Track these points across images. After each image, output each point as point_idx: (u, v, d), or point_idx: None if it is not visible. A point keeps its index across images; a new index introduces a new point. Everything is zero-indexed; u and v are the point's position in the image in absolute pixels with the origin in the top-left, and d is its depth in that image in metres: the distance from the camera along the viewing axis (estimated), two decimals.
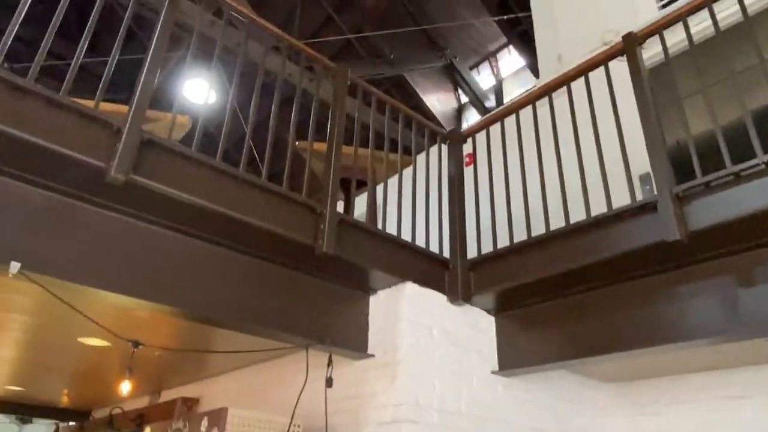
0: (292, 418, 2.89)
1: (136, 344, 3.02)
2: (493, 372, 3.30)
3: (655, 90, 2.82)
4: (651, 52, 3.13)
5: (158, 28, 2.52)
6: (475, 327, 3.35)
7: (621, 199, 2.68)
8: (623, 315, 2.88)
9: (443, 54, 8.83)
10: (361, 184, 3.97)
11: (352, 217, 3.06)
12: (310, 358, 3.05)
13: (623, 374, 3.95)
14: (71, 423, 6.95)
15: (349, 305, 3.19)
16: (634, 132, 2.78)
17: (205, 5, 2.94)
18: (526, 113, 3.35)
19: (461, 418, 3.02)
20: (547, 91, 3.27)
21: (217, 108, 6.33)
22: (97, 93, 2.30)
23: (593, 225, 2.76)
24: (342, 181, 3.16)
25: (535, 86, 4.76)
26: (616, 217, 2.68)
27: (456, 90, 9.51)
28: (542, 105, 3.28)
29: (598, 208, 2.75)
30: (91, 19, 2.39)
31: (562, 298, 3.13)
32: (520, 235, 3.04)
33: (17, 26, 2.16)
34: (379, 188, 3.41)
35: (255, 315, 2.77)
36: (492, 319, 3.44)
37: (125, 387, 3.46)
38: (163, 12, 2.57)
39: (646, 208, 2.58)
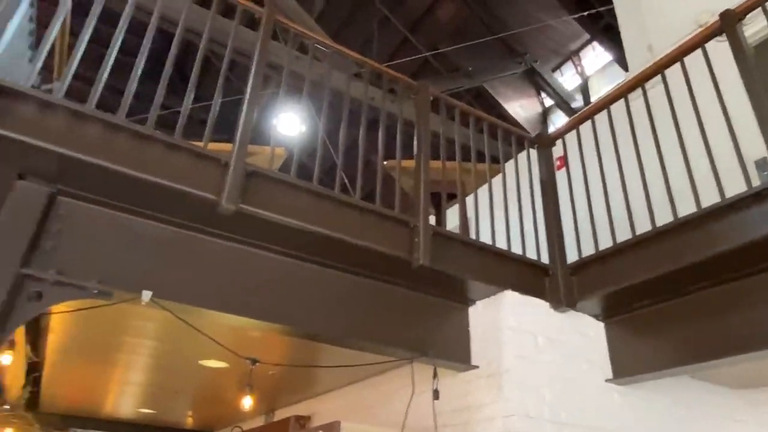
0: (402, 429, 2.93)
1: (254, 362, 3.23)
2: (607, 380, 3.15)
3: (761, 68, 2.61)
4: (751, 30, 2.91)
5: (253, 72, 2.73)
6: (583, 334, 3.23)
7: (732, 189, 2.50)
8: (742, 314, 2.65)
9: (523, 60, 8.69)
10: (451, 198, 3.99)
11: (445, 229, 3.09)
12: (413, 371, 3.09)
13: (755, 380, 3.60)
14: None
15: (449, 317, 3.20)
16: (740, 116, 2.58)
17: (291, 43, 3.14)
18: (618, 108, 3.22)
19: (577, 429, 2.90)
20: (640, 81, 3.13)
21: (307, 137, 6.66)
22: (205, 134, 2.54)
23: (704, 218, 2.58)
24: (432, 196, 3.21)
25: (625, 80, 4.56)
26: (730, 207, 2.50)
27: (539, 94, 9.30)
28: (635, 98, 3.15)
29: (706, 199, 2.57)
30: (193, 72, 2.64)
31: (675, 298, 2.94)
32: (623, 235, 2.91)
33: (135, 83, 2.44)
34: (470, 200, 3.42)
35: (359, 330, 2.87)
36: (601, 325, 3.30)
37: (247, 402, 3.69)
38: (256, 56, 2.78)
39: (765, 194, 2.38)
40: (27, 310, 2.18)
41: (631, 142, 3.04)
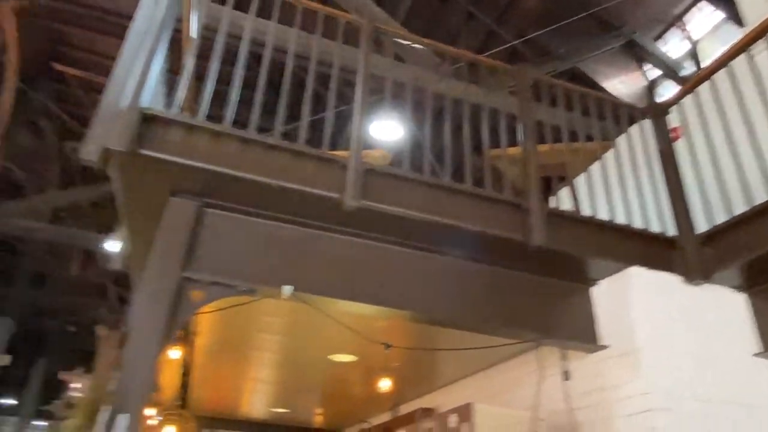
0: (535, 411, 2.93)
1: (387, 346, 3.36)
2: (755, 354, 2.93)
3: None
4: None
5: (361, 79, 2.90)
6: (720, 306, 3.03)
7: None
8: None
9: (620, 33, 8.25)
10: (561, 180, 3.92)
11: (559, 208, 3.06)
12: (539, 356, 3.08)
13: None
14: None
15: (572, 298, 3.15)
16: None
17: (386, 52, 3.24)
18: (738, 64, 3.01)
19: (723, 405, 2.74)
20: (763, 31, 2.89)
21: (405, 140, 6.82)
22: (324, 140, 2.75)
23: None
24: (541, 181, 3.18)
25: (742, 36, 4.21)
26: None
27: (641, 67, 8.76)
28: (759, 51, 2.92)
29: None
30: (307, 88, 2.86)
31: None
32: (760, 198, 2.71)
33: (259, 104, 2.70)
34: (582, 180, 3.35)
35: (482, 314, 2.92)
36: (742, 296, 3.08)
37: (385, 384, 3.83)
38: (361, 65, 2.94)
39: None
40: (189, 309, 2.48)
41: (757, 99, 2.83)
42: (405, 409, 5.49)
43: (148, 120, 2.37)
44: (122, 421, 2.08)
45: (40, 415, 21.75)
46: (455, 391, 4.68)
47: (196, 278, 2.49)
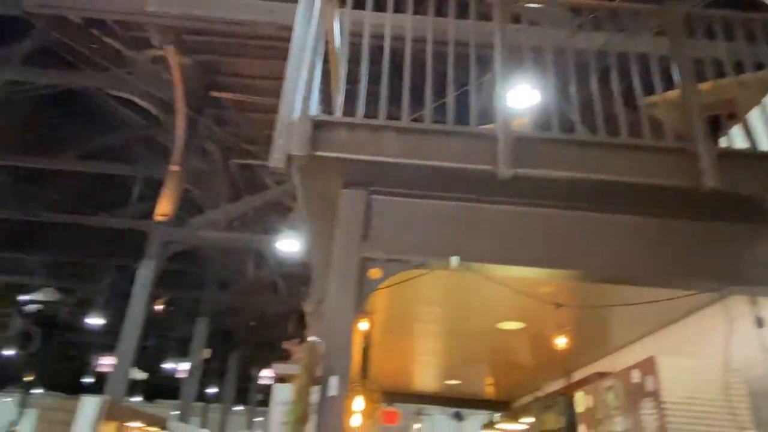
0: (727, 361, 2.79)
1: (558, 305, 3.40)
2: None
3: None
4: None
5: (499, 50, 2.98)
6: None
7: None
8: None
9: None
10: (731, 118, 3.60)
11: (731, 148, 2.85)
12: (726, 306, 2.91)
13: None
14: (498, 414, 7.96)
15: (757, 241, 2.92)
16: None
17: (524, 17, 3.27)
18: None
19: None
20: None
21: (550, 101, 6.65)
22: (471, 116, 2.88)
23: None
24: (709, 121, 2.98)
25: None
26: None
27: None
28: None
29: None
30: (449, 70, 3.01)
31: None
32: None
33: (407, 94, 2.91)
34: (756, 115, 3.06)
35: (657, 267, 2.84)
36: None
37: (557, 349, 3.88)
38: (498, 37, 3.01)
39: None
40: (371, 285, 2.79)
41: None
42: (579, 375, 5.44)
43: (317, 125, 2.71)
44: (333, 381, 2.46)
45: (238, 401, 25.01)
46: (632, 352, 4.53)
47: (373, 257, 2.79)
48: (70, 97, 12.55)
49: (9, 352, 17.77)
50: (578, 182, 2.73)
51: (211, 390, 26.42)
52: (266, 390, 26.67)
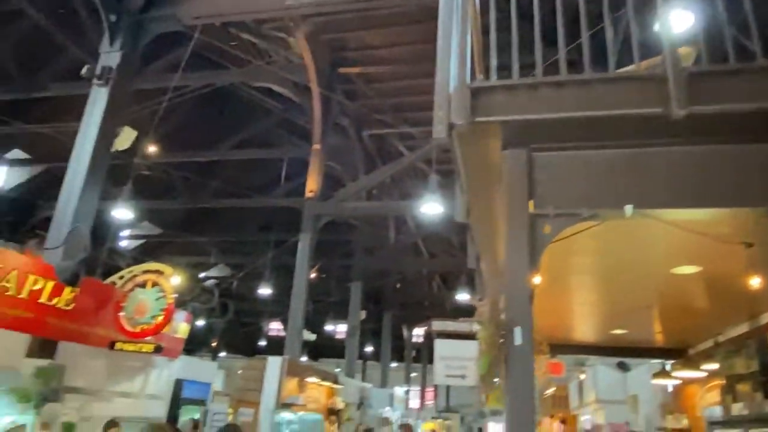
0: None
1: (748, 245, 3.15)
2: None
3: None
4: None
5: None
6: None
7: None
8: None
9: None
10: None
11: None
12: None
13: None
14: (670, 362, 7.56)
15: None
16: None
17: None
18: None
19: None
20: None
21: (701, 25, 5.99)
22: (635, 58, 2.78)
23: None
24: None
25: None
26: None
27: None
28: None
29: None
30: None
31: None
32: None
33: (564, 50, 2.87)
34: None
35: None
36: None
37: (754, 281, 3.61)
38: None
39: None
40: (544, 241, 2.87)
41: None
42: (765, 318, 5.03)
43: (474, 92, 2.81)
44: (517, 332, 2.61)
45: (394, 359, 26.54)
46: None
47: (542, 213, 2.85)
48: (218, 95, 13.92)
49: (199, 322, 20.59)
50: (759, 113, 2.52)
51: (367, 349, 28.30)
52: (418, 347, 27.90)
